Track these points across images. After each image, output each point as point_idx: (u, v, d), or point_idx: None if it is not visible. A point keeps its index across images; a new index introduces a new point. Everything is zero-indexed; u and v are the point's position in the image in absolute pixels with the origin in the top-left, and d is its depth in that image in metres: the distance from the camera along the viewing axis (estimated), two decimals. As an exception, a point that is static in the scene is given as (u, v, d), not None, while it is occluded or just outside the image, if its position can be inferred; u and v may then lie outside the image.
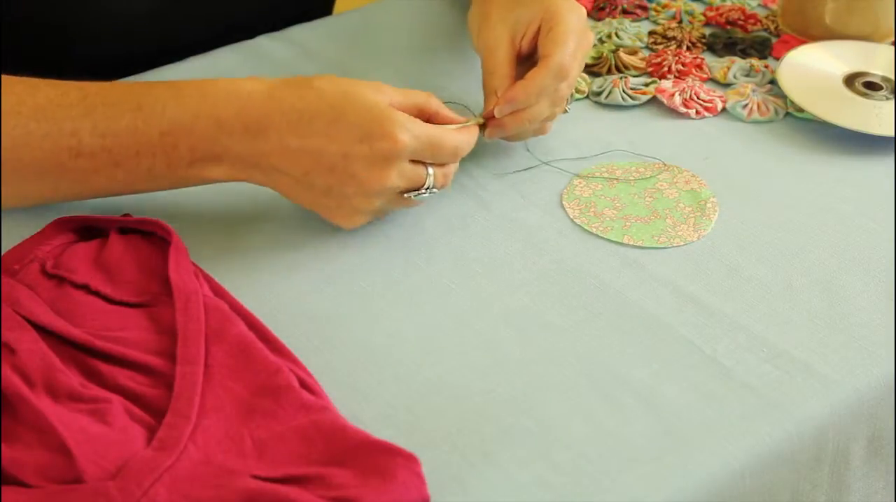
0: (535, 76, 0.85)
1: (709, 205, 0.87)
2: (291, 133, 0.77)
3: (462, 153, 0.82)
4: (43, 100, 0.78)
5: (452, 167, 0.83)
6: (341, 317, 0.77)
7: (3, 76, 0.79)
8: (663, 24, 1.09)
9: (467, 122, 0.84)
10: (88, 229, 0.80)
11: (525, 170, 0.90)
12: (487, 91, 0.88)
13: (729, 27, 1.09)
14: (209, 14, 1.05)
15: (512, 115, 0.86)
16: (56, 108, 0.78)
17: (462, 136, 0.82)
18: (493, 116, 0.86)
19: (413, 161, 0.79)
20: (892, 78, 0.99)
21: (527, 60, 0.89)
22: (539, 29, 0.88)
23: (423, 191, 0.80)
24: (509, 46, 0.88)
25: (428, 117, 0.81)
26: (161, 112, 0.78)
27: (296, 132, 0.77)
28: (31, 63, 0.90)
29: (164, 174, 0.80)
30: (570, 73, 0.86)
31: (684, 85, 0.99)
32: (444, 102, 0.84)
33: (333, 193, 0.79)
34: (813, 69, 1.00)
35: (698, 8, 1.12)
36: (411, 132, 0.77)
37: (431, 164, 0.80)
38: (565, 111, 0.90)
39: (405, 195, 0.80)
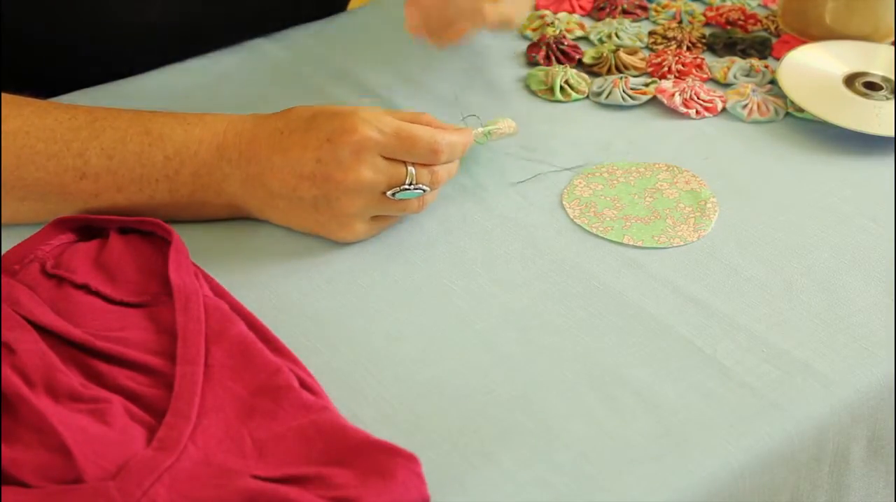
0: None
1: (709, 205, 0.87)
2: (275, 151, 0.79)
3: (444, 151, 0.80)
4: (52, 121, 0.80)
5: (444, 167, 0.82)
6: (341, 317, 0.77)
7: (13, 97, 0.80)
8: (663, 24, 1.09)
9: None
10: (88, 229, 0.80)
11: (529, 178, 0.90)
12: None
13: (729, 27, 1.09)
14: (225, 26, 1.04)
15: None
16: (65, 129, 0.79)
17: (445, 134, 0.81)
18: None
19: (390, 158, 0.79)
20: (892, 78, 0.99)
21: None
22: None
23: (408, 186, 0.80)
24: None
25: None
26: (168, 136, 0.80)
27: (277, 149, 0.79)
28: (39, 78, 0.90)
29: (166, 201, 0.80)
30: None
31: (684, 85, 0.99)
32: (464, 118, 0.85)
33: (321, 204, 0.79)
34: (813, 69, 1.00)
35: (698, 8, 1.12)
36: (375, 126, 0.78)
37: (413, 164, 0.80)
38: None
39: (389, 193, 0.80)
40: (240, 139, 0.80)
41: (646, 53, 1.04)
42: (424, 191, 0.81)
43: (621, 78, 0.99)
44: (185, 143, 0.80)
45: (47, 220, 0.80)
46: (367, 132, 0.78)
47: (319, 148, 0.78)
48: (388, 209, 0.81)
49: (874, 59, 1.01)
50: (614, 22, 1.08)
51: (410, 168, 0.80)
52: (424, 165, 0.80)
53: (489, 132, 0.87)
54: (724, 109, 0.98)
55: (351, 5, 1.15)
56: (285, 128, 0.80)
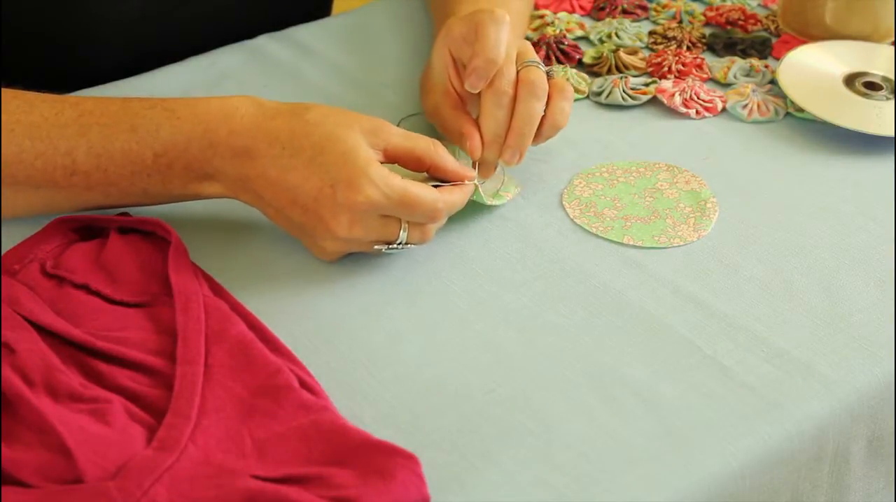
0: (483, 33, 0.82)
1: (709, 205, 0.87)
2: (272, 165, 0.77)
3: (446, 213, 0.79)
4: (38, 117, 0.78)
5: (434, 225, 0.80)
6: (341, 317, 0.77)
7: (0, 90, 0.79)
8: (663, 24, 1.09)
9: (466, 181, 0.81)
10: (88, 229, 0.80)
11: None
12: (455, 133, 0.85)
13: (729, 27, 1.09)
14: (207, 13, 1.04)
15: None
16: (51, 127, 0.78)
17: (447, 197, 0.79)
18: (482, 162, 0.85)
19: (386, 216, 0.78)
20: (892, 78, 0.99)
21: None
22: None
23: (395, 246, 0.79)
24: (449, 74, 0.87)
25: (428, 167, 0.79)
26: (155, 134, 0.78)
27: (276, 165, 0.77)
28: (33, 70, 0.89)
29: (160, 192, 0.80)
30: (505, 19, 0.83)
31: (684, 85, 0.99)
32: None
33: (307, 231, 0.78)
34: (813, 69, 1.00)
35: (698, 8, 1.12)
36: (381, 190, 0.75)
37: (408, 222, 0.78)
38: (549, 74, 0.87)
39: (376, 247, 0.79)
40: (233, 139, 0.78)
41: (646, 53, 1.04)
42: (411, 247, 0.80)
43: (621, 78, 0.99)
44: (173, 141, 0.78)
45: (43, 212, 0.79)
46: (372, 196, 0.75)
47: (320, 190, 0.76)
48: (369, 251, 0.80)
49: (874, 59, 1.01)
50: (614, 22, 1.08)
51: (403, 231, 0.78)
52: (419, 224, 0.79)
53: (498, 195, 0.86)
54: (724, 109, 0.98)
55: (337, 9, 1.16)
56: (288, 145, 0.77)
